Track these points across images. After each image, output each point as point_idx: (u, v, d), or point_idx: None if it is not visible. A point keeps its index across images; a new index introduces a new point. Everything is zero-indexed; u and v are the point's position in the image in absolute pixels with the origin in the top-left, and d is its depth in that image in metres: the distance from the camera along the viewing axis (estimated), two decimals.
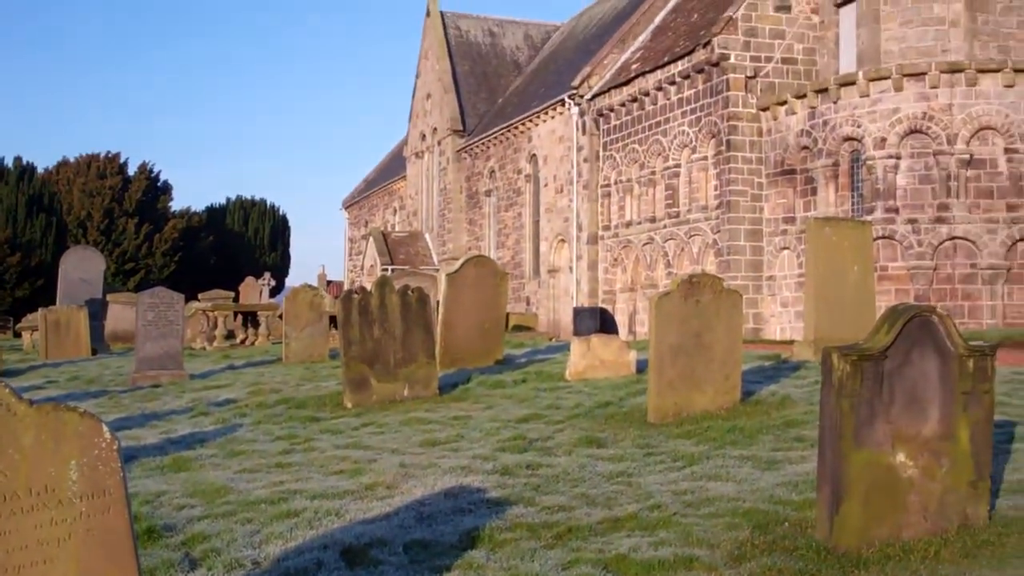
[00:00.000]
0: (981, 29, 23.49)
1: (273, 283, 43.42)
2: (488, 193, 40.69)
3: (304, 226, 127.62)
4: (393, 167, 53.12)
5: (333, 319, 17.90)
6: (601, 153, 32.40)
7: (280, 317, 22.36)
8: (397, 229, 49.27)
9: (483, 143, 40.70)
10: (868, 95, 23.30)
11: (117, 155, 55.46)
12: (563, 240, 34.53)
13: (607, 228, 31.91)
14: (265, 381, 15.11)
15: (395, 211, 51.70)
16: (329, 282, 60.98)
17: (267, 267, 54.75)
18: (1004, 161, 22.43)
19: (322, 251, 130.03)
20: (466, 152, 42.43)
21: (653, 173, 29.51)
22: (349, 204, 58.63)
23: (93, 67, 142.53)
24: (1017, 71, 22.46)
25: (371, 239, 45.08)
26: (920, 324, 5.75)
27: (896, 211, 22.76)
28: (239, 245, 60.76)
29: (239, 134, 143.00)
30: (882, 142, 22.99)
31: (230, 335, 25.15)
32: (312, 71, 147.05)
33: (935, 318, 5.77)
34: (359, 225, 56.85)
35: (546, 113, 35.46)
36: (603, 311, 24.46)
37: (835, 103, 23.90)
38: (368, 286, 17.01)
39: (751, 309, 25.71)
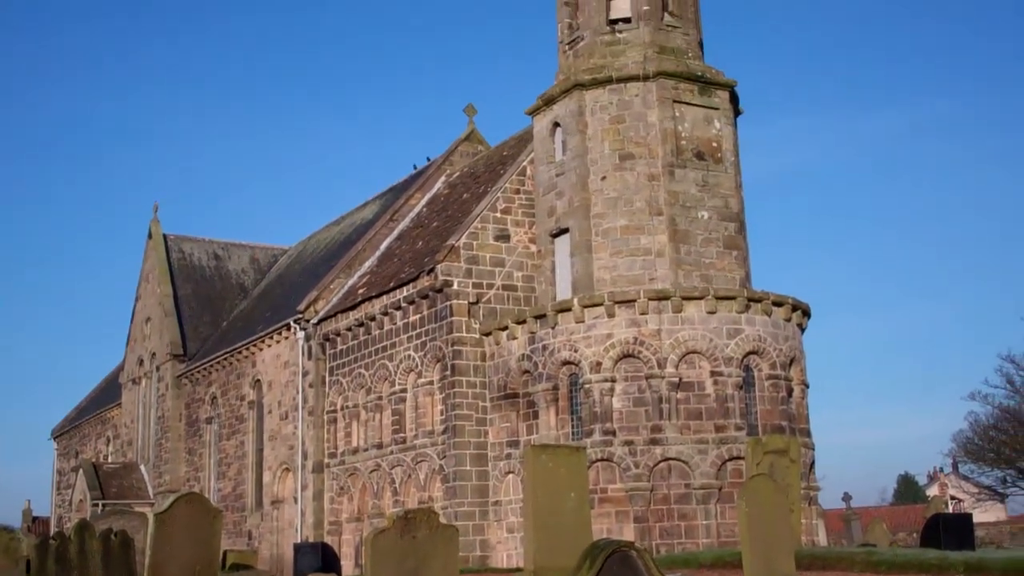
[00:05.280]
0: (684, 259, 25.05)
1: None
2: (209, 421, 39.14)
3: (8, 458, 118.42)
4: (108, 394, 50.47)
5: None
6: (327, 378, 31.95)
7: None
8: (111, 460, 46.43)
9: (205, 368, 39.41)
10: (583, 321, 24.18)
11: None
12: (288, 469, 33.37)
13: (333, 455, 31.14)
14: None
15: (108, 441, 48.80)
16: (35, 519, 56.35)
17: None
18: (711, 384, 23.57)
19: (28, 485, 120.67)
20: (187, 378, 40.91)
21: (380, 398, 29.27)
22: (59, 434, 54.99)
23: None
24: (719, 298, 23.95)
25: (81, 471, 42.15)
26: (620, 559, 5.60)
27: (613, 433, 23.35)
28: None
29: None
30: (597, 366, 23.76)
31: None
32: (19, 294, 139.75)
33: (633, 553, 5.64)
34: (69, 456, 53.25)
35: (271, 337, 34.85)
36: (325, 546, 23.56)
37: (553, 328, 24.64)
38: (68, 529, 15.58)
39: (478, 536, 25.41)
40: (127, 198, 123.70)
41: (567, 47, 27.65)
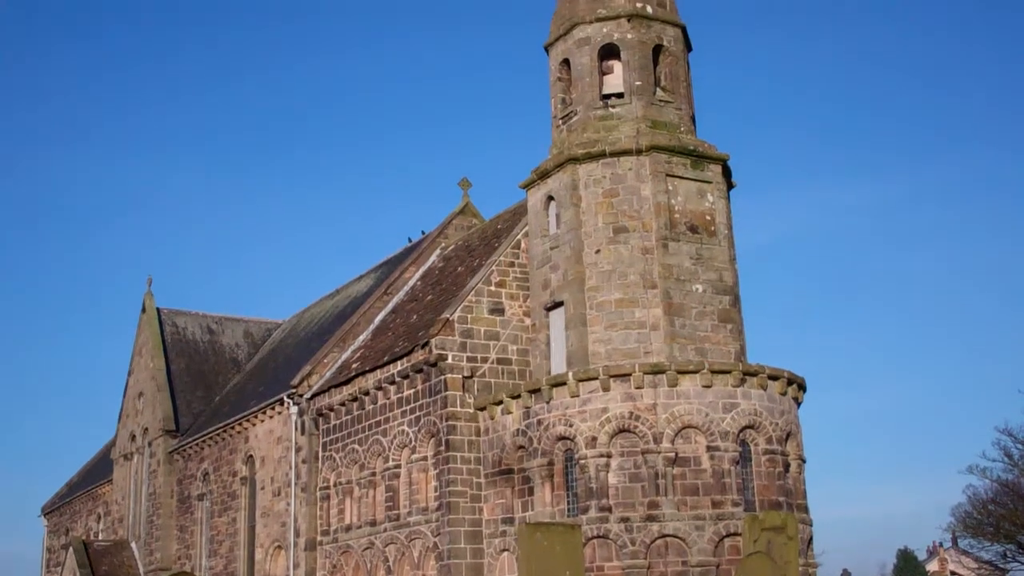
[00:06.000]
0: (679, 332, 24.93)
1: None
2: (201, 497, 38.65)
3: None
4: (100, 470, 49.97)
5: None
6: (321, 454, 31.63)
7: None
8: (101, 538, 45.80)
9: (197, 444, 39.04)
10: (578, 395, 24.00)
11: None
12: (280, 547, 32.87)
13: (326, 533, 30.71)
14: None
15: (99, 518, 48.19)
16: None
17: None
18: (707, 458, 23.33)
19: (17, 562, 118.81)
20: (179, 453, 40.50)
21: (373, 474, 28.95)
22: (49, 510, 54.34)
23: None
24: (714, 372, 23.80)
25: (71, 549, 41.54)
26: None
27: (609, 510, 23.03)
28: None
29: None
30: (593, 441, 23.52)
31: None
32: (9, 368, 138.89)
33: None
34: (59, 533, 52.57)
35: (264, 412, 34.55)
36: None
37: (548, 403, 24.44)
38: None
39: None
40: (121, 272, 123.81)
41: (560, 121, 27.83)
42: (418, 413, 27.39)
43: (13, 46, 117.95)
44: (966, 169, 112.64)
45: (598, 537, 22.83)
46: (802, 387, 25.88)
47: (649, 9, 27.40)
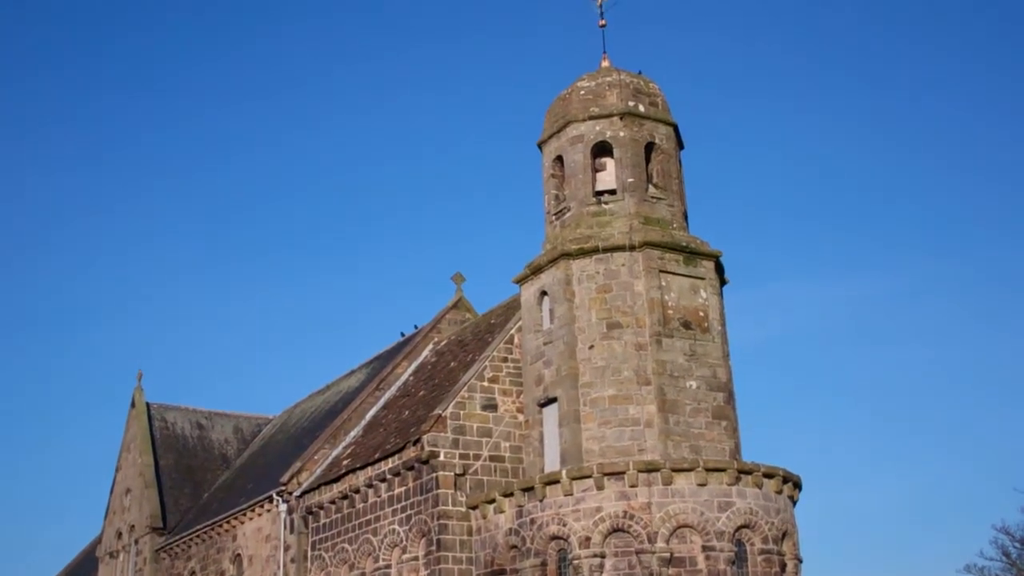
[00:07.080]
0: (673, 429, 24.67)
1: None
2: None
3: None
4: (84, 568, 49.09)
5: None
6: (310, 553, 31.04)
7: None
8: None
9: (184, 542, 38.35)
10: (572, 493, 23.64)
11: None
12: None
13: None
14: None
15: None
16: None
17: None
18: (702, 559, 22.90)
19: None
20: (166, 552, 39.76)
21: (363, 574, 28.36)
22: None
23: None
24: (709, 470, 23.50)
25: None
26: None
27: None
28: None
29: None
30: (587, 541, 23.11)
31: None
32: None
33: None
34: None
35: (253, 510, 34.00)
36: None
37: (541, 501, 24.07)
38: None
39: None
40: (110, 366, 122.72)
41: (554, 217, 27.95)
42: (409, 512, 26.95)
43: (5, 137, 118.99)
44: (966, 264, 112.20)
45: None
46: (798, 485, 25.55)
47: (641, 108, 27.74)
